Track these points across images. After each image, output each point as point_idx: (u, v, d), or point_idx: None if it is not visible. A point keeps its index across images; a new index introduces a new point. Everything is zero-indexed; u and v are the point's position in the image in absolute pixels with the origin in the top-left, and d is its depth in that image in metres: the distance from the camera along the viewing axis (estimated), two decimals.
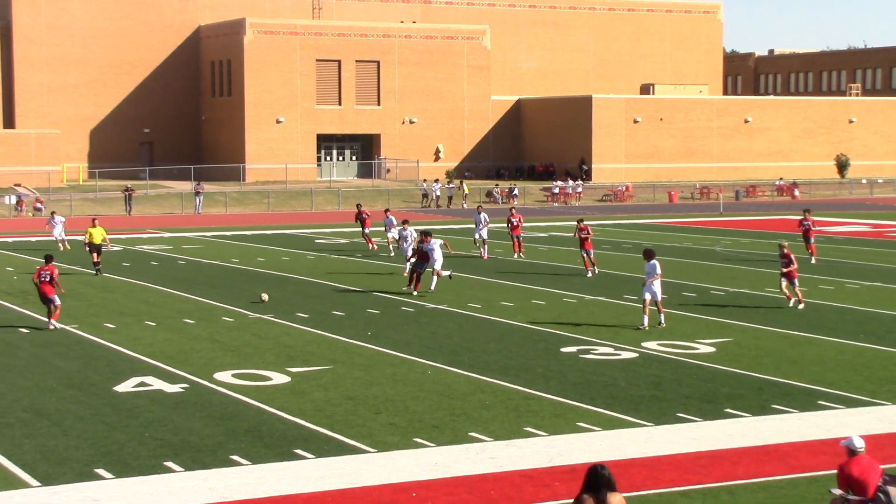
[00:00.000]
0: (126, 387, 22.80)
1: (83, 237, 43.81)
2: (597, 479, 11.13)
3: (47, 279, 29.67)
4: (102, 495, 16.00)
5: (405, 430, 19.50)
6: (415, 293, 35.54)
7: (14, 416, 20.34)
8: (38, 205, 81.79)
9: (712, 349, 26.69)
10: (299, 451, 18.14)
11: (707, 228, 64.69)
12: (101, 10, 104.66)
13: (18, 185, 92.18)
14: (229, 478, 16.84)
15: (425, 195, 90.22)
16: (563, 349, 26.92)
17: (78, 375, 24.07)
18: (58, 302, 29.87)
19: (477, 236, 48.19)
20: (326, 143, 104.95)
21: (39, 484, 16.49)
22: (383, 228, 49.63)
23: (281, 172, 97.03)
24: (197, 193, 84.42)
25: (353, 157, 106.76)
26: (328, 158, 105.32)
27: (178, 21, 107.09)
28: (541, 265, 45.23)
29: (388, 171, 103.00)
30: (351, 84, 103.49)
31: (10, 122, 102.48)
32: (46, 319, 30.00)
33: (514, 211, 49.82)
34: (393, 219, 48.32)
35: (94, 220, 44.32)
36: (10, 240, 58.22)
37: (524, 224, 50.54)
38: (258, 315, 32.35)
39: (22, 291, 37.65)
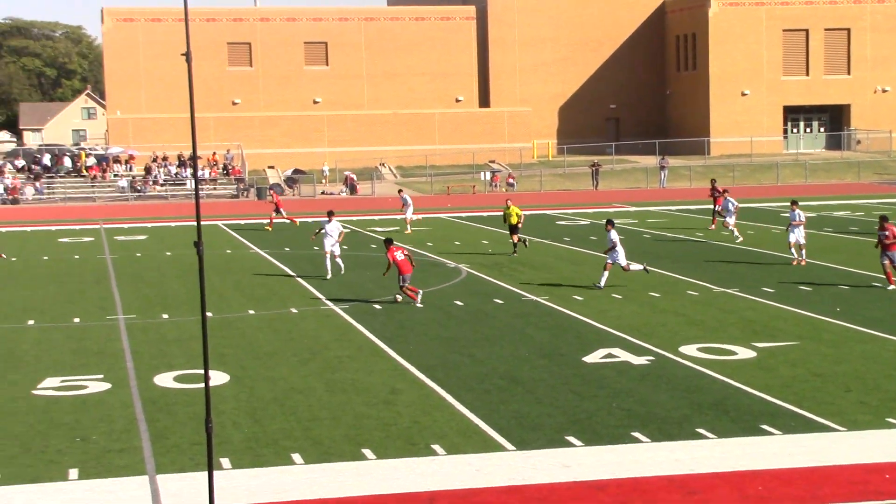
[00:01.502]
0: (594, 358, 23.34)
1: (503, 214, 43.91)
2: None
3: (402, 258, 30.46)
4: (573, 461, 16.46)
5: (877, 409, 18.83)
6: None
7: (491, 384, 21.29)
8: (511, 180, 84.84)
9: None
10: (765, 427, 17.92)
11: None
12: None
13: (492, 162, 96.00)
14: (695, 450, 16.89)
15: None
16: None
17: (549, 345, 24.87)
18: (406, 283, 30.53)
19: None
20: (793, 114, 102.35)
21: (514, 448, 17.17)
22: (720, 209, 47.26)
23: (746, 145, 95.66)
24: (661, 168, 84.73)
25: (821, 129, 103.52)
26: (794, 130, 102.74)
27: None
28: None
29: (859, 142, 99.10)
30: (819, 53, 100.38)
31: (485, 102, 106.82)
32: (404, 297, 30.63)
33: None
34: (732, 201, 46.01)
35: (507, 200, 43.67)
36: (484, 214, 60.74)
37: None
38: (723, 289, 32.16)
39: (496, 264, 39.27)
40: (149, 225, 57.98)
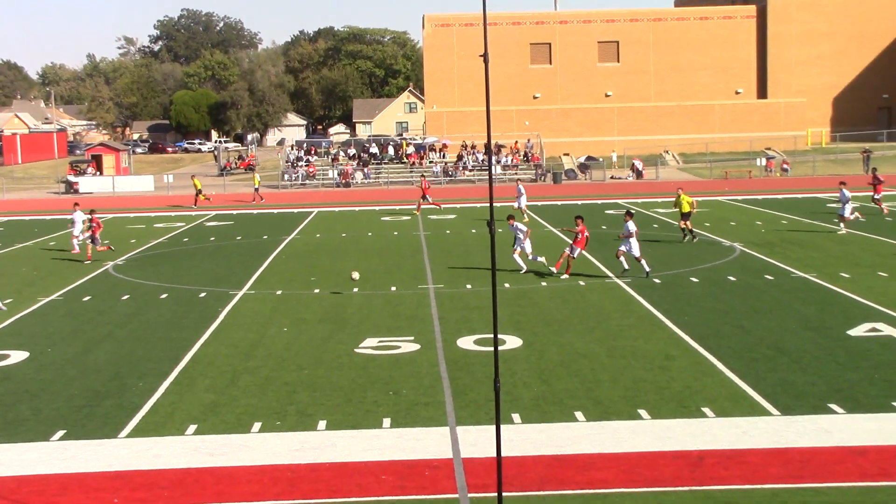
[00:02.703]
0: (858, 331, 22.30)
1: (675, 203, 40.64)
2: None
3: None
4: (834, 427, 15.81)
5: None
6: None
7: (759, 353, 20.67)
8: (785, 166, 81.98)
9: None
10: None
11: None
12: None
13: (768, 149, 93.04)
14: None
15: None
16: None
17: (815, 319, 23.91)
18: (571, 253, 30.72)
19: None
20: None
21: (779, 413, 16.62)
22: None
23: None
24: None
25: None
26: None
27: None
28: None
29: None
30: None
31: (762, 93, 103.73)
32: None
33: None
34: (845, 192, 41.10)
35: (678, 189, 40.41)
36: (759, 197, 59.06)
37: None
38: None
39: (768, 243, 38.05)
40: (458, 206, 59.01)
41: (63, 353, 22.36)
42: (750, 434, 15.61)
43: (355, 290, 29.85)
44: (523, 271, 31.59)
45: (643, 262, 30.62)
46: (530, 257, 31.91)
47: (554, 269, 31.09)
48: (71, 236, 40.67)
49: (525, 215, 48.22)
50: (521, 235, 31.91)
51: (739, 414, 16.60)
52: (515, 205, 48.97)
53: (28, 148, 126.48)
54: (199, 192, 65.14)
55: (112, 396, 18.65)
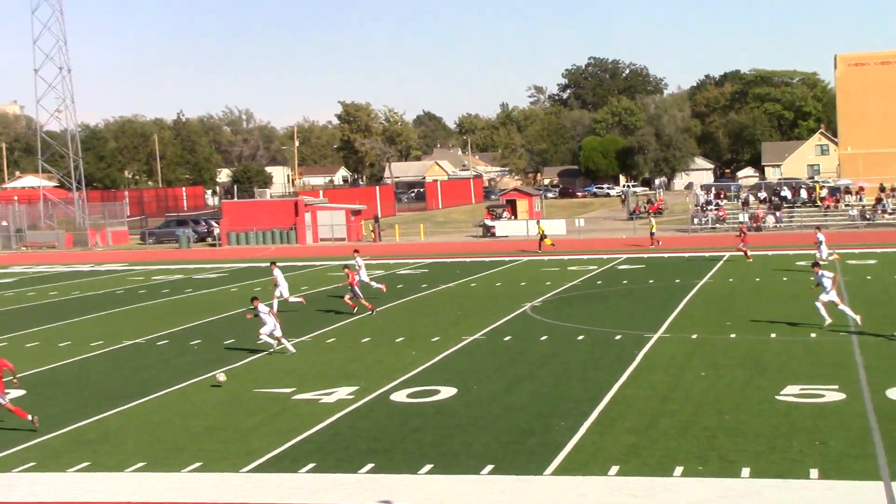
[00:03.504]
0: None
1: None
2: None
3: None
4: None
5: None
6: None
7: None
8: None
9: None
10: None
11: None
12: None
13: None
14: None
15: None
16: None
17: None
18: None
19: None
20: None
21: None
22: None
23: None
24: None
25: None
26: None
27: None
28: None
29: None
30: None
31: None
32: None
33: None
34: None
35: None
36: None
37: None
38: None
39: None
40: (878, 250, 56.07)
41: (488, 391, 23.22)
42: None
43: (773, 335, 29.01)
44: (827, 323, 29.55)
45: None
46: (839, 307, 29.59)
47: None
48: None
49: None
50: (827, 284, 29.72)
51: None
52: (818, 254, 47.18)
53: (447, 193, 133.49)
54: (543, 236, 66.33)
55: (536, 434, 19.12)
